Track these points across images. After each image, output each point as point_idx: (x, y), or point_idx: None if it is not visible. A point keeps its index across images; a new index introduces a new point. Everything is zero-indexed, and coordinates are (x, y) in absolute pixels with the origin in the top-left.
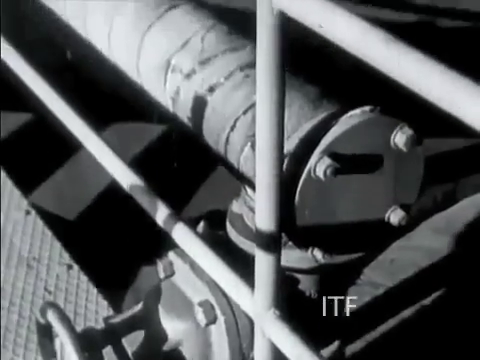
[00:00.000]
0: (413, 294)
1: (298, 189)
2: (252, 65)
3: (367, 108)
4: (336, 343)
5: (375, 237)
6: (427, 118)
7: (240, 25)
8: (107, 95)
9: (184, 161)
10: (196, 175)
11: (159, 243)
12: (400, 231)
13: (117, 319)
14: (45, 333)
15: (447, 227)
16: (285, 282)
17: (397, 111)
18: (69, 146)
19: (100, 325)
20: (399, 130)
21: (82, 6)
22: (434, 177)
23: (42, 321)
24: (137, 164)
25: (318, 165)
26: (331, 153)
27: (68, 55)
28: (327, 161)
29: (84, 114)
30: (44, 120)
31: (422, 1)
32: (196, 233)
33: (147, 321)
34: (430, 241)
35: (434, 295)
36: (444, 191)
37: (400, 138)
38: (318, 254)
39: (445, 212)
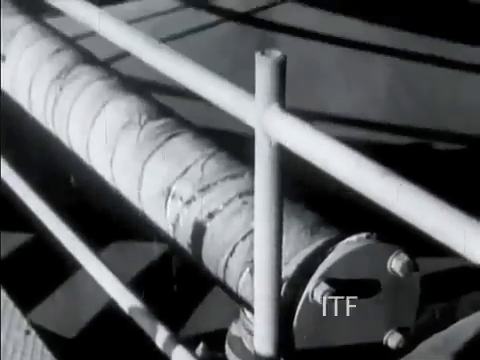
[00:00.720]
0: None
1: (296, 314)
2: (251, 192)
3: (363, 235)
4: None
5: None
6: (424, 237)
7: (238, 149)
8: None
9: (183, 281)
10: (195, 295)
11: None
12: (398, 354)
13: None
14: None
15: (446, 346)
16: None
17: (393, 234)
18: (69, 265)
19: None
20: (395, 256)
21: (85, 135)
22: (432, 296)
23: None
24: (136, 283)
25: (316, 290)
26: (328, 279)
27: (72, 180)
28: (324, 287)
29: (84, 235)
30: (44, 240)
31: (417, 123)
32: (195, 356)
33: None
34: None
35: None
36: (443, 310)
37: (396, 264)
38: None
39: (444, 332)
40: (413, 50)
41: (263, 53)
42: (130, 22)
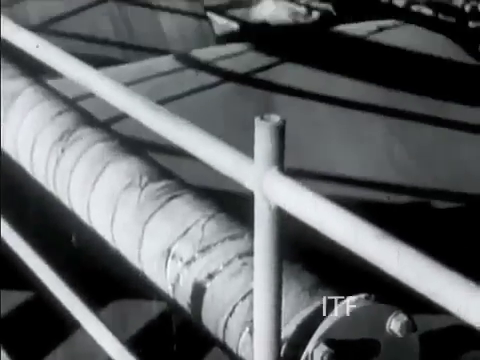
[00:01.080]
0: None
1: None
2: (250, 253)
3: (362, 296)
4: None
5: None
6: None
7: (238, 208)
8: (108, 275)
9: (183, 341)
10: (195, 355)
11: None
12: None
13: None
14: None
15: None
16: None
17: (392, 293)
18: (68, 324)
19: None
20: (394, 317)
21: (86, 196)
22: (432, 354)
23: None
24: (136, 343)
25: (315, 351)
26: (328, 339)
27: (73, 239)
28: (324, 348)
29: (83, 294)
30: (44, 299)
31: (416, 182)
32: None
33: None
34: None
35: None
36: None
37: (395, 325)
38: None
39: None
40: (412, 110)
41: (262, 117)
42: (130, 83)
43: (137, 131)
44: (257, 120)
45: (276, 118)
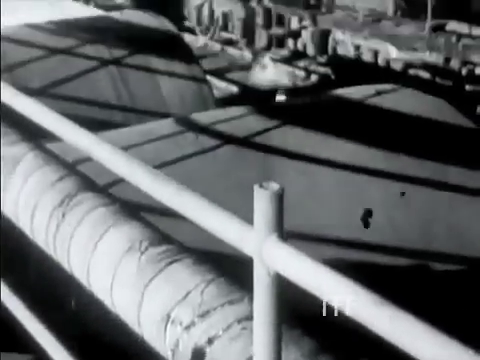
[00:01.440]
0: None
1: None
2: (250, 318)
3: None
4: None
5: None
6: None
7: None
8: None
9: None
10: None
11: None
12: None
13: None
14: None
15: None
16: None
17: (391, 357)
18: None
19: None
20: None
21: (86, 260)
22: None
23: None
24: None
25: None
26: None
27: (72, 303)
28: None
29: (82, 358)
30: None
31: (415, 245)
32: None
33: None
34: None
35: None
36: None
37: None
38: None
39: None
40: (410, 173)
41: (261, 185)
42: (131, 146)
43: (138, 193)
44: (256, 188)
45: (275, 186)
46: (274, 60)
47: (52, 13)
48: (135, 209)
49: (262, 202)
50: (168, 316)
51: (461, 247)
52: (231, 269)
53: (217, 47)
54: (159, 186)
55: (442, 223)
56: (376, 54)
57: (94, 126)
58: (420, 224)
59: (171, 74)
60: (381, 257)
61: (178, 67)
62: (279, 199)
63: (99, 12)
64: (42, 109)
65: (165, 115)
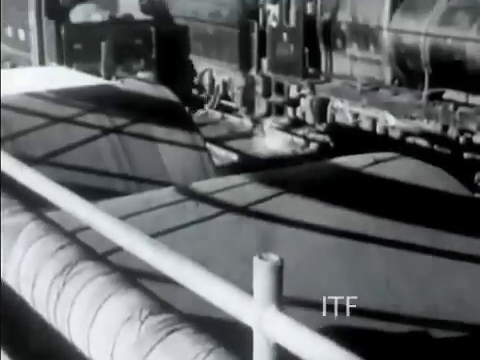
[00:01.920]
0: None
1: None
2: None
3: None
4: None
5: None
6: None
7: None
8: None
9: None
10: None
11: None
12: None
13: None
14: None
15: None
16: None
17: None
18: None
19: None
20: None
21: (85, 329)
22: None
23: None
24: None
25: None
26: None
27: None
28: None
29: None
30: None
31: (414, 311)
32: None
33: None
34: None
35: None
36: None
37: None
38: None
39: None
40: (409, 240)
41: (261, 257)
42: (132, 214)
43: (138, 261)
44: (256, 259)
45: (274, 257)
46: (273, 128)
47: (52, 82)
48: (135, 277)
49: (261, 273)
50: None
51: (459, 313)
52: (230, 336)
53: (217, 115)
54: (159, 256)
55: (440, 289)
56: (374, 122)
57: (95, 194)
58: (418, 290)
59: (172, 143)
60: (379, 323)
61: (179, 136)
62: (278, 271)
63: (100, 81)
64: (41, 179)
65: (166, 183)
